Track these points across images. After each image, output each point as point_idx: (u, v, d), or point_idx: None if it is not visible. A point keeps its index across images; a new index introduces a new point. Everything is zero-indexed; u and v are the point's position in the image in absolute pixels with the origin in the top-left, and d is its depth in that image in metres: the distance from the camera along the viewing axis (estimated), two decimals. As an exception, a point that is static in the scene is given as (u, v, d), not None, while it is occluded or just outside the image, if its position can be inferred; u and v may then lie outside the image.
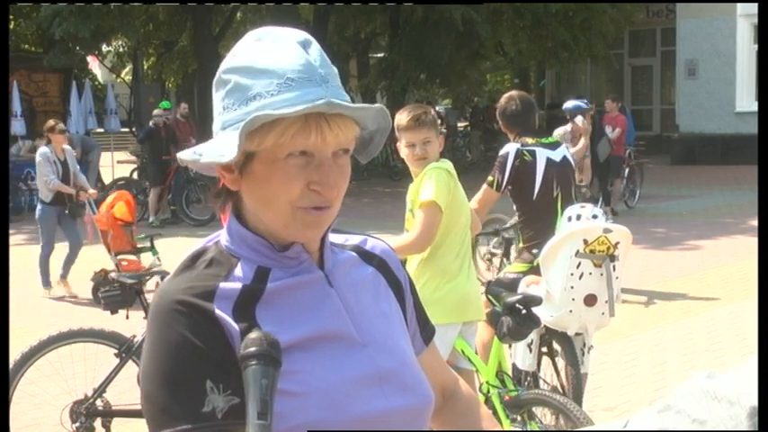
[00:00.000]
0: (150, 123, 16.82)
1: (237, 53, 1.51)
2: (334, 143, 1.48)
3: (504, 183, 5.48)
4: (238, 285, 1.49)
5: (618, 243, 4.85)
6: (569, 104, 11.80)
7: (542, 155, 5.51)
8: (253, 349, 1.31)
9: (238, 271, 1.51)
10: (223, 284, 1.48)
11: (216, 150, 1.47)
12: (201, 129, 19.49)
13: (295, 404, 1.41)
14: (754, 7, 17.67)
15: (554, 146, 5.63)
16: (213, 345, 1.42)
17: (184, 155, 1.52)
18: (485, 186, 5.48)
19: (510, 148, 5.55)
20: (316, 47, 1.52)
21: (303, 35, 1.52)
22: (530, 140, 5.57)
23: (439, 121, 4.86)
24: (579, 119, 11.11)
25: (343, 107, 1.45)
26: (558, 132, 10.64)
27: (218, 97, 1.53)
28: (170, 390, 1.41)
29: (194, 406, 1.38)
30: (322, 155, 1.48)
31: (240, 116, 1.46)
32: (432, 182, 4.41)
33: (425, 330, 1.74)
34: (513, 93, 5.95)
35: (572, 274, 4.82)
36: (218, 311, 1.45)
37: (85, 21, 19.71)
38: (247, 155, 1.47)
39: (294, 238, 1.51)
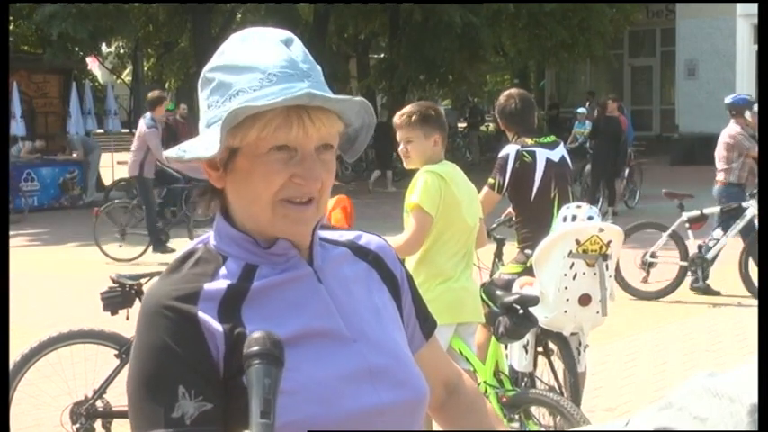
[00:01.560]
0: None
1: (223, 53, 1.53)
2: (317, 137, 1.48)
3: (506, 184, 5.47)
4: (224, 285, 1.49)
5: (610, 242, 4.87)
6: (733, 98, 9.90)
7: (542, 156, 5.50)
8: (256, 348, 1.30)
9: (225, 269, 1.51)
10: (208, 285, 1.48)
11: (200, 147, 1.48)
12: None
13: (284, 401, 1.40)
14: (754, 7, 17.62)
15: (553, 145, 5.62)
16: (191, 349, 1.43)
17: (170, 153, 1.52)
18: (486, 189, 5.47)
19: (510, 150, 5.53)
20: (299, 44, 1.53)
21: (286, 34, 1.53)
22: (529, 141, 5.55)
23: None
24: (748, 114, 9.64)
25: (324, 98, 1.45)
26: (732, 133, 9.58)
27: (203, 96, 1.54)
28: (145, 392, 1.42)
29: (165, 411, 1.39)
30: (305, 150, 1.48)
31: (223, 112, 1.47)
32: (419, 185, 4.46)
33: (425, 325, 1.73)
34: (513, 91, 5.90)
35: (566, 275, 4.83)
36: (201, 314, 1.45)
37: (83, 21, 19.67)
38: (231, 151, 1.48)
39: (282, 235, 1.51)
